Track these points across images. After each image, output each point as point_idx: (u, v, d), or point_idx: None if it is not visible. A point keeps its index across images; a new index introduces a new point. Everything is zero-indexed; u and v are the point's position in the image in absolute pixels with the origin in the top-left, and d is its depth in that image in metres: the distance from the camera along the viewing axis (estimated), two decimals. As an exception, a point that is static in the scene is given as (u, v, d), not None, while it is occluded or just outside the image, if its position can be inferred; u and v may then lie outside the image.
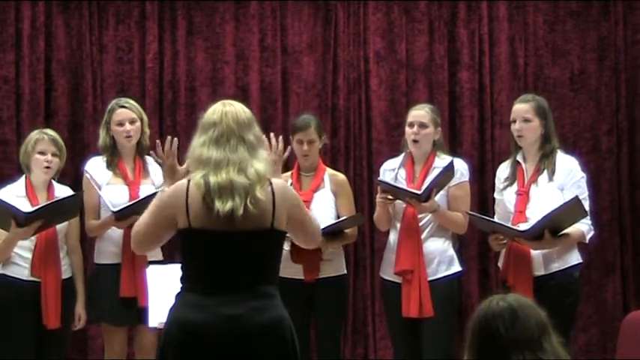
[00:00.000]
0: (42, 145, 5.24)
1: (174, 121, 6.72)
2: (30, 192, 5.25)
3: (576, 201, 4.85)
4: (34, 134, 5.32)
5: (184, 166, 3.95)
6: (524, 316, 2.93)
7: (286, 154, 4.46)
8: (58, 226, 5.22)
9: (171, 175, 3.99)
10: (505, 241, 5.05)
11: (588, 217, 5.02)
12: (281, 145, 4.28)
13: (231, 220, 3.59)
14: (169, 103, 6.75)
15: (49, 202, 5.14)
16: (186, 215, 3.62)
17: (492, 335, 2.92)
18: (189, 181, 3.67)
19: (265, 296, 3.65)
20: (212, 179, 3.60)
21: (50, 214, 5.07)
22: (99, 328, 5.71)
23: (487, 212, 6.44)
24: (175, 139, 4.09)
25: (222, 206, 3.57)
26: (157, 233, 3.76)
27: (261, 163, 3.67)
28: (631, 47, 6.90)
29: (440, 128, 5.35)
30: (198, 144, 3.69)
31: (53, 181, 5.34)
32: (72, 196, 5.24)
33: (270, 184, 3.68)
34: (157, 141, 4.18)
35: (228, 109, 3.72)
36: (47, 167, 5.24)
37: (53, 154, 5.25)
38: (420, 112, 5.30)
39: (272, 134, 4.31)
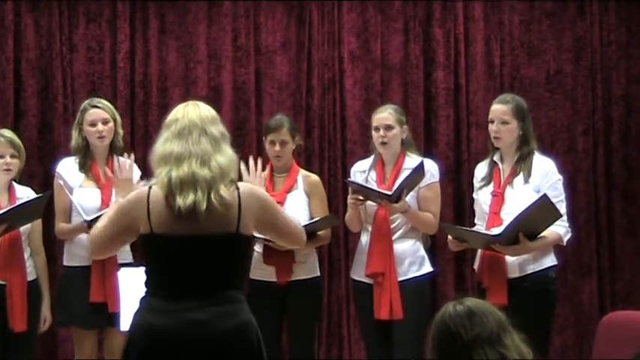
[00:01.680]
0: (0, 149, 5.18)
1: (146, 121, 6.65)
2: None
3: (545, 199, 4.77)
4: None
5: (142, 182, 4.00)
6: (482, 313, 2.98)
7: (265, 173, 4.43)
8: (22, 228, 5.16)
9: (127, 189, 3.99)
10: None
11: (565, 219, 4.97)
12: (259, 166, 4.20)
13: (194, 219, 3.49)
14: (141, 103, 6.68)
15: (14, 206, 5.08)
16: (147, 220, 3.53)
17: (453, 337, 2.97)
18: (150, 187, 3.58)
19: (232, 301, 3.57)
20: (174, 174, 3.51)
21: (15, 217, 5.02)
22: (69, 331, 5.65)
23: (462, 212, 6.46)
24: (132, 155, 4.11)
25: (183, 201, 3.47)
26: (116, 241, 3.71)
27: (224, 158, 3.57)
28: (606, 47, 6.90)
29: (406, 126, 5.32)
30: (161, 142, 3.61)
31: (14, 182, 5.27)
32: (37, 198, 5.16)
33: (237, 188, 3.59)
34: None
35: (191, 107, 3.66)
36: (7, 170, 5.17)
37: (12, 156, 5.19)
38: (384, 115, 5.27)
39: (250, 158, 4.21)
